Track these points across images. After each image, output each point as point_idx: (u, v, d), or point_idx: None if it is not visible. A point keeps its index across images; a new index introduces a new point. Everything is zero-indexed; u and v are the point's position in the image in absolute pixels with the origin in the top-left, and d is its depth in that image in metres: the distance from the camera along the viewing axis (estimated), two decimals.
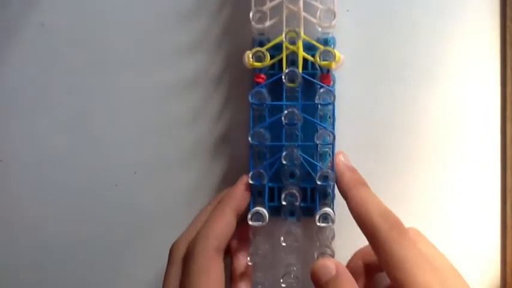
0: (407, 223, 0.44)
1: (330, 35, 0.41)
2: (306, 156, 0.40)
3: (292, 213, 0.41)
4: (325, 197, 0.41)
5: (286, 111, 0.40)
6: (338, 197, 0.40)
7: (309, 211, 0.41)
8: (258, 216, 0.40)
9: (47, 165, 0.47)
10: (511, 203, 0.44)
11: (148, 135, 0.46)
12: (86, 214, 0.47)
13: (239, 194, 0.40)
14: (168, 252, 0.45)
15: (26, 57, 0.47)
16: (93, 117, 0.46)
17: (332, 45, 0.41)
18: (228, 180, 0.45)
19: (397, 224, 0.35)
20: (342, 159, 0.40)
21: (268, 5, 0.40)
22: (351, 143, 0.44)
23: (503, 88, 0.44)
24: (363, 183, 0.39)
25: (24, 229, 0.47)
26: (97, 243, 0.47)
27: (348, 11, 0.44)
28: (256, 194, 0.41)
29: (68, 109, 0.47)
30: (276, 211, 0.41)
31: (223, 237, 0.38)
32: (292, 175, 0.41)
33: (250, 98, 0.40)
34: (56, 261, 0.47)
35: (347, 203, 0.38)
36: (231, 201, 0.39)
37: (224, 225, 0.38)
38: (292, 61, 0.41)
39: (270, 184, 0.41)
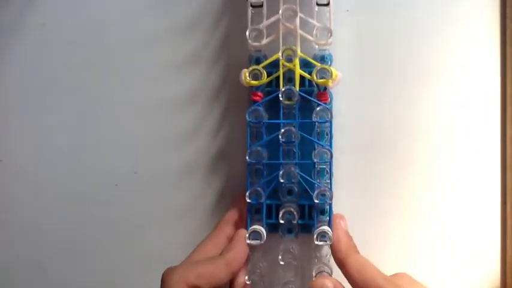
0: (407, 223, 0.44)
1: (327, 52, 0.41)
2: (303, 175, 0.40)
3: (290, 231, 0.41)
4: (323, 214, 0.41)
5: (283, 130, 0.40)
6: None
7: (307, 228, 0.41)
8: (256, 234, 0.40)
9: (47, 165, 0.47)
10: (511, 203, 0.44)
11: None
12: (86, 214, 0.47)
13: (238, 255, 0.39)
14: (166, 252, 0.45)
15: (26, 57, 0.47)
16: (93, 117, 0.46)
17: (329, 62, 0.41)
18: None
19: (396, 284, 0.36)
20: (342, 224, 0.40)
21: (265, 23, 0.40)
22: (350, 143, 0.44)
23: (503, 88, 0.44)
24: (358, 251, 0.39)
25: (23, 229, 0.47)
26: (97, 243, 0.47)
27: (347, 11, 0.44)
28: (253, 211, 0.41)
29: (68, 109, 0.47)
30: (274, 227, 0.41)
31: (204, 280, 0.37)
32: (290, 192, 0.41)
33: (247, 116, 0.40)
34: (56, 261, 0.47)
35: (345, 268, 0.38)
36: (228, 256, 0.39)
37: (211, 271, 0.38)
38: (289, 78, 0.40)
39: (267, 201, 0.41)
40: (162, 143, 0.46)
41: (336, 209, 0.42)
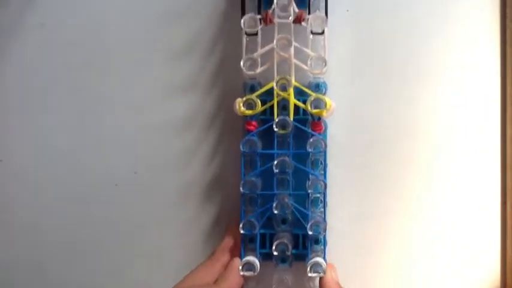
0: (407, 223, 0.44)
1: (322, 80, 0.41)
2: (297, 206, 0.40)
3: (283, 260, 0.41)
4: (317, 244, 0.41)
5: (277, 161, 0.40)
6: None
7: (301, 256, 0.41)
8: (250, 266, 0.40)
9: (47, 165, 0.47)
10: (511, 203, 0.44)
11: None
12: (86, 214, 0.47)
13: (231, 286, 0.39)
14: (167, 252, 0.45)
15: (26, 57, 0.47)
16: (93, 117, 0.46)
17: (323, 90, 0.41)
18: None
19: None
20: (333, 275, 0.40)
21: (259, 52, 0.40)
22: (350, 142, 0.44)
23: (503, 88, 0.44)
24: None
25: (23, 229, 0.47)
26: (97, 243, 0.47)
27: (348, 11, 0.44)
28: (247, 240, 0.41)
29: (68, 109, 0.47)
30: (267, 255, 0.41)
31: None
32: (284, 221, 0.41)
33: (241, 146, 0.40)
34: (56, 261, 0.47)
35: None
36: (222, 286, 0.39)
37: None
38: (284, 106, 0.40)
39: (261, 231, 0.41)
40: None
41: (336, 209, 0.42)
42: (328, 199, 0.41)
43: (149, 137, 0.46)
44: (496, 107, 0.44)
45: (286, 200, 0.40)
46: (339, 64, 0.43)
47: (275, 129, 0.40)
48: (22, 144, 0.47)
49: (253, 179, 0.40)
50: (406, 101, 0.44)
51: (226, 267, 0.40)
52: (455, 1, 0.43)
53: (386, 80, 0.44)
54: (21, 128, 0.47)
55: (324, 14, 0.40)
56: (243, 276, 0.40)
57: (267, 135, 0.41)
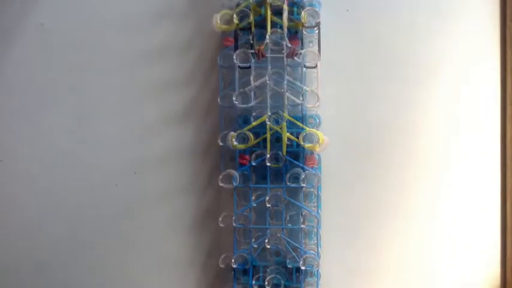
0: (407, 223, 0.44)
1: (315, 111, 0.41)
2: (290, 241, 0.40)
3: None
4: (311, 277, 0.41)
5: (269, 196, 0.40)
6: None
7: None
8: None
9: (47, 165, 0.47)
10: (511, 203, 0.44)
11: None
12: (86, 214, 0.47)
13: None
14: (166, 252, 0.45)
15: (26, 57, 0.47)
16: (93, 117, 0.46)
17: (317, 121, 0.41)
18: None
19: None
20: None
21: (252, 85, 0.40)
22: (351, 142, 0.44)
23: (503, 88, 0.44)
24: None
25: (23, 229, 0.47)
26: (97, 243, 0.47)
27: (347, 11, 0.44)
28: (240, 273, 0.41)
29: (68, 109, 0.46)
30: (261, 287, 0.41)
31: None
32: (277, 253, 0.42)
33: (233, 182, 0.40)
34: (56, 261, 0.47)
35: None
36: None
37: None
38: (277, 137, 0.41)
39: (254, 263, 0.41)
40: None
41: (336, 209, 0.42)
42: (325, 195, 0.41)
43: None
44: (496, 107, 0.44)
45: (279, 234, 0.40)
46: (339, 65, 0.43)
47: (268, 164, 0.40)
48: (22, 144, 0.47)
49: (245, 213, 0.40)
50: (405, 101, 0.44)
51: None
52: (455, 1, 0.43)
53: (386, 80, 0.44)
54: (21, 128, 0.47)
55: (316, 49, 0.40)
56: None
57: (261, 167, 0.41)
